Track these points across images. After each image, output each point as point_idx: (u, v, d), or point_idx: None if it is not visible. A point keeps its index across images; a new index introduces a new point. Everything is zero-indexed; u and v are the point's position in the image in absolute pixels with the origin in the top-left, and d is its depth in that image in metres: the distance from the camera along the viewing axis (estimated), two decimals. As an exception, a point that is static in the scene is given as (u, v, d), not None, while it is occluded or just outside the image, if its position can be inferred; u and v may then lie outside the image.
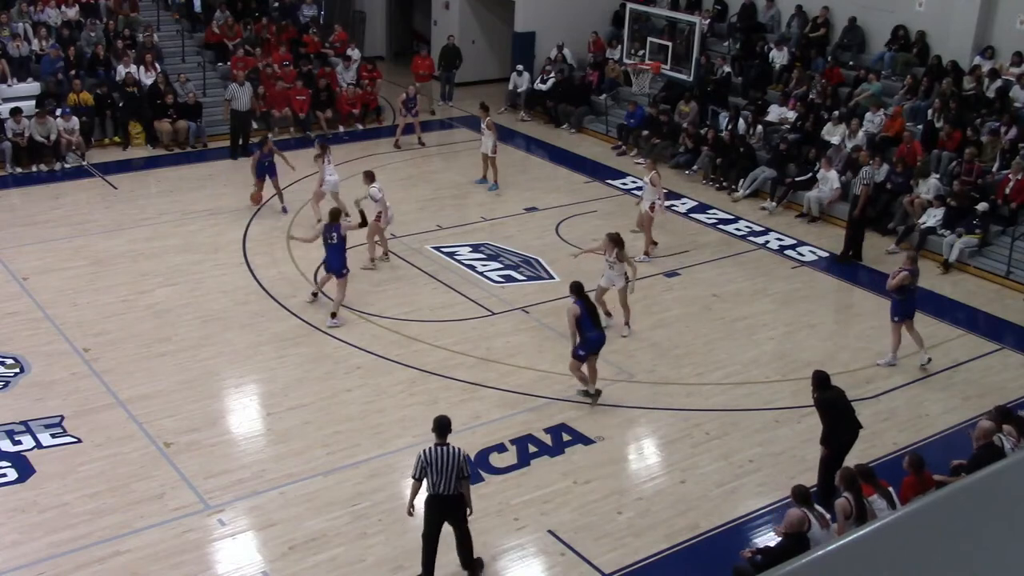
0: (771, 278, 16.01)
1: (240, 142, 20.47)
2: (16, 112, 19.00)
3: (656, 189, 16.14)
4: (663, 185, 16.63)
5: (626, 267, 13.49)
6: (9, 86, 20.34)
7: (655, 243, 16.49)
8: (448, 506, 8.88)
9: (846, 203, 18.39)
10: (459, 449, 8.88)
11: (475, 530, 9.80)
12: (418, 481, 8.84)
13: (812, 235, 17.75)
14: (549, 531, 9.83)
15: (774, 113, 21.10)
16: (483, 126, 19.22)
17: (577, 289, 11.89)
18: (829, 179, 18.32)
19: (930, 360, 13.24)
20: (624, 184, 19.89)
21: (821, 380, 10.45)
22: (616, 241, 13.37)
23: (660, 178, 16.41)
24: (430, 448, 8.80)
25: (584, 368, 11.96)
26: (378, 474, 10.62)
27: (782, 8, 23.87)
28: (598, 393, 12.05)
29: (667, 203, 18.79)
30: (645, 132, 21.56)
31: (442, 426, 8.94)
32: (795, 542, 8.55)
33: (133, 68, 21.07)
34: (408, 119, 21.61)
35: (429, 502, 8.87)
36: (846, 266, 16.41)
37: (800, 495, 9.05)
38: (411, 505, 8.98)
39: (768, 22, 24.04)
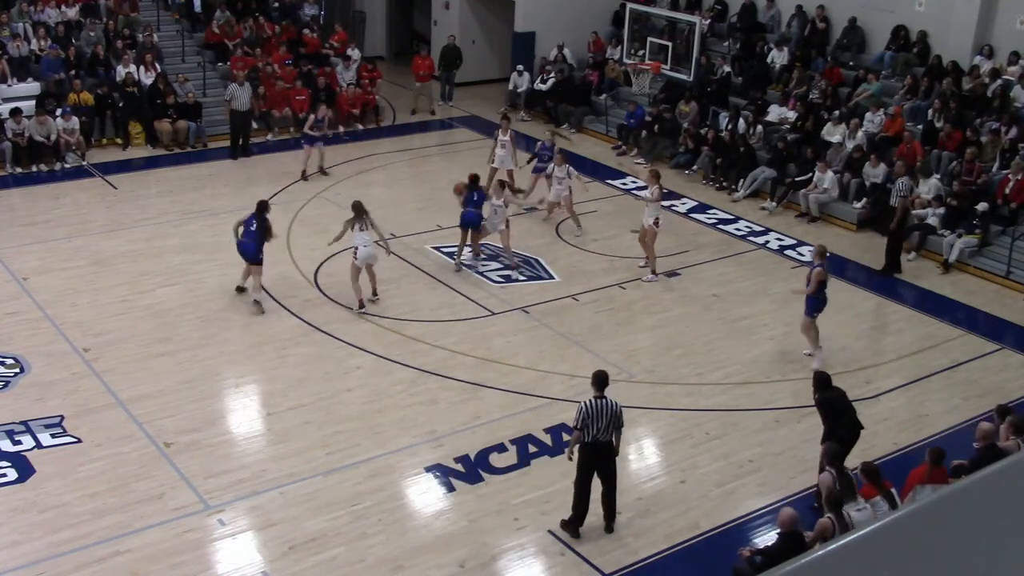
0: (771, 278, 16.01)
1: (240, 142, 20.47)
2: (16, 112, 19.00)
3: (658, 203, 15.36)
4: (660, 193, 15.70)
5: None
6: (9, 86, 20.34)
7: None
8: (602, 453, 9.56)
9: (846, 203, 18.43)
10: (615, 401, 9.51)
11: (475, 530, 9.84)
12: (580, 431, 9.42)
13: (812, 235, 17.72)
14: (549, 531, 9.83)
15: (774, 113, 21.10)
16: (506, 138, 18.26)
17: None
18: (825, 180, 18.31)
19: (815, 359, 13.04)
20: (624, 184, 19.89)
21: (822, 381, 10.45)
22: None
23: (661, 191, 15.63)
24: (590, 400, 9.43)
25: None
26: (378, 474, 10.62)
27: (782, 8, 23.87)
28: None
29: (667, 203, 18.82)
30: (644, 133, 21.55)
31: (600, 380, 9.58)
32: (790, 540, 8.56)
33: (133, 68, 21.06)
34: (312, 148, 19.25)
35: (586, 449, 9.52)
36: (886, 279, 16.15)
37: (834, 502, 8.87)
38: (571, 452, 9.68)
39: (768, 22, 24.04)
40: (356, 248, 13.92)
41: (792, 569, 2.74)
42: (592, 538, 9.76)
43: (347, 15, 28.11)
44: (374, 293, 14.40)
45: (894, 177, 17.51)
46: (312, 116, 19.47)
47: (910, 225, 17.19)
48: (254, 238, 13.88)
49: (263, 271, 14.04)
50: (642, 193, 15.55)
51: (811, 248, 17.01)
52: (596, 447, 9.50)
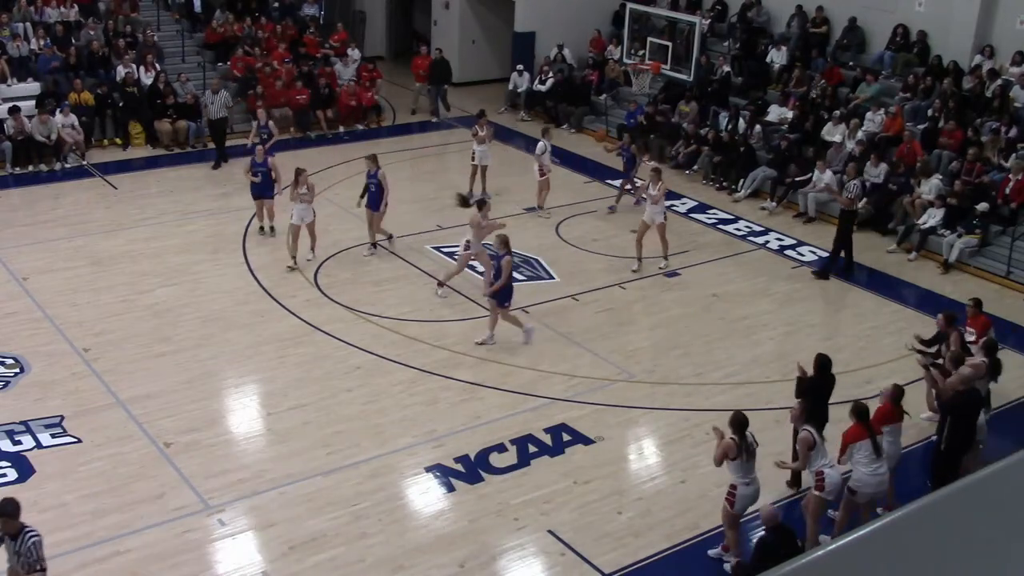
0: (771, 278, 16.01)
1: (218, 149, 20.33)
2: (15, 111, 18.97)
3: (662, 200, 15.56)
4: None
5: None
6: (9, 86, 20.34)
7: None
8: None
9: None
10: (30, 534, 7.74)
11: (475, 530, 9.83)
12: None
13: (812, 235, 17.74)
14: (549, 531, 9.83)
15: (774, 113, 21.09)
16: (483, 133, 18.47)
17: None
18: (823, 180, 18.25)
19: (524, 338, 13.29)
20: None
21: (823, 365, 10.60)
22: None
23: (664, 188, 15.70)
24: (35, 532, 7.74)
25: None
26: (378, 474, 10.62)
27: (781, 8, 23.84)
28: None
29: (668, 203, 18.80)
30: (652, 136, 21.53)
31: (14, 508, 7.71)
32: (776, 535, 8.68)
33: (133, 68, 21.07)
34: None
35: None
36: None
37: (736, 422, 9.31)
38: None
39: (761, 22, 23.97)
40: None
41: (792, 569, 2.74)
42: (592, 538, 9.77)
43: (347, 15, 28.12)
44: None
45: (846, 179, 17.37)
46: (255, 123, 18.38)
47: (909, 225, 17.17)
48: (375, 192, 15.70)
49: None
50: (648, 192, 15.63)
51: (815, 248, 17.12)
52: None
